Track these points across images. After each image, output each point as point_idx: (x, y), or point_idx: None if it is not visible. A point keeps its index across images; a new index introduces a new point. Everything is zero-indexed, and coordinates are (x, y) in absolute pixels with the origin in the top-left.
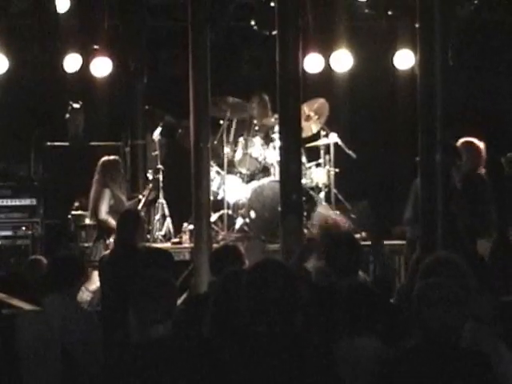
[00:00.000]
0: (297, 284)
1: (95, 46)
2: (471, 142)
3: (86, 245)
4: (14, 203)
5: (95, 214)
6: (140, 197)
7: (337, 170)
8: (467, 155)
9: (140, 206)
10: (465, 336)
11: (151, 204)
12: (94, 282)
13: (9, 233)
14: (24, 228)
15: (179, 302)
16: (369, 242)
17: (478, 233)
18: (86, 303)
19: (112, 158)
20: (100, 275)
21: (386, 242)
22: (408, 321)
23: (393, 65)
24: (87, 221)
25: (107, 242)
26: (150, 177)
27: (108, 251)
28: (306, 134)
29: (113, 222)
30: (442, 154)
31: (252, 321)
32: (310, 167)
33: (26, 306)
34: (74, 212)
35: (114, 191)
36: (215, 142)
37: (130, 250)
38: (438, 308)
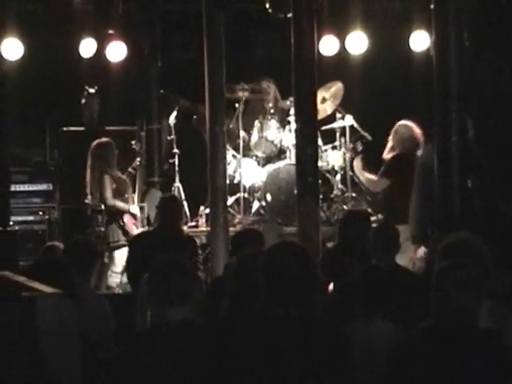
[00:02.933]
0: (313, 265)
1: (110, 31)
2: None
3: (103, 229)
4: (30, 188)
5: (102, 201)
6: (130, 169)
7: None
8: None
9: (137, 179)
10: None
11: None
12: (119, 264)
13: (26, 218)
14: (40, 213)
15: None
16: None
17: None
18: (115, 285)
19: (104, 140)
20: (133, 256)
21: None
22: (425, 302)
23: (408, 46)
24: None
25: (121, 223)
26: (137, 148)
27: (142, 231)
28: (320, 116)
29: (121, 205)
30: (457, 134)
31: (268, 303)
32: (325, 150)
33: (47, 289)
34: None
35: (112, 174)
36: (231, 126)
37: (170, 233)
38: (456, 289)
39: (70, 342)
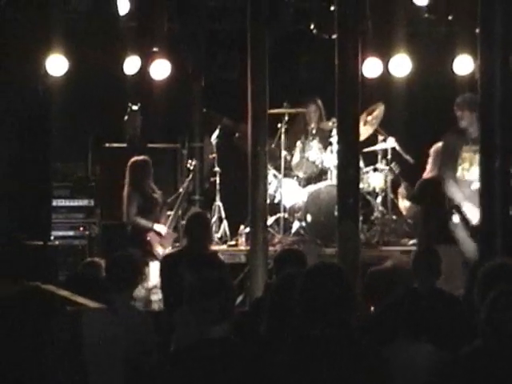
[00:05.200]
0: (350, 287)
1: (154, 49)
2: None
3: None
4: (71, 204)
5: (125, 217)
6: (180, 190)
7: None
8: None
9: (180, 197)
10: None
11: (190, 196)
12: (149, 280)
13: (67, 233)
14: (81, 228)
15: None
16: None
17: None
18: (140, 300)
19: (141, 158)
20: (164, 274)
21: None
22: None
23: (452, 70)
24: None
25: (142, 241)
26: (191, 167)
27: (173, 250)
28: (362, 137)
29: (142, 222)
30: (501, 160)
31: (306, 323)
32: (367, 172)
33: (91, 304)
34: None
35: (143, 191)
36: (273, 146)
37: (199, 252)
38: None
39: (114, 356)
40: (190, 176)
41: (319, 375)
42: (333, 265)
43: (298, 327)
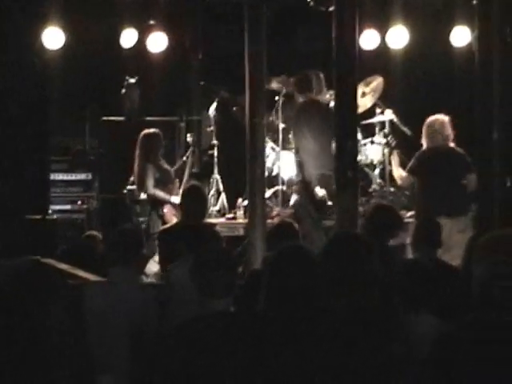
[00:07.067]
0: (374, 259)
1: (151, 22)
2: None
3: (141, 219)
4: (69, 177)
5: (143, 189)
6: (183, 160)
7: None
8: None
9: (186, 171)
10: None
11: (200, 173)
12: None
13: (65, 207)
14: (80, 202)
15: None
16: None
17: None
18: (152, 274)
19: (152, 130)
20: (162, 247)
21: None
22: (467, 298)
23: (449, 41)
24: (142, 195)
25: (160, 213)
26: (189, 139)
27: (169, 224)
28: (360, 110)
29: (161, 194)
30: (498, 131)
31: (330, 295)
32: (364, 144)
33: (92, 277)
34: (129, 187)
35: (157, 164)
36: (270, 118)
37: (196, 224)
38: (501, 284)
39: (116, 328)
40: (190, 149)
41: (326, 349)
42: (357, 235)
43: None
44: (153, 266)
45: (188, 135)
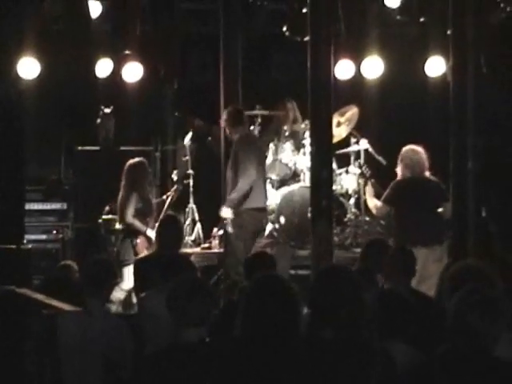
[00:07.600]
0: (362, 290)
1: (126, 52)
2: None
3: (115, 249)
4: (44, 207)
5: (122, 217)
6: (164, 197)
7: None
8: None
9: (165, 207)
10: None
11: (176, 205)
12: (126, 281)
13: (40, 236)
14: (54, 232)
15: None
16: None
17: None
18: (117, 301)
19: (137, 160)
20: (137, 276)
21: None
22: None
23: (424, 71)
24: (117, 225)
25: (134, 242)
26: (175, 178)
27: (145, 254)
28: (335, 139)
29: (138, 225)
30: (473, 160)
31: (316, 325)
32: (339, 173)
33: (67, 307)
34: (104, 216)
35: (141, 194)
36: None
37: (172, 254)
38: (480, 315)
39: (90, 358)
40: (175, 187)
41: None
42: (344, 267)
43: (307, 330)
44: (119, 294)
45: (174, 172)
